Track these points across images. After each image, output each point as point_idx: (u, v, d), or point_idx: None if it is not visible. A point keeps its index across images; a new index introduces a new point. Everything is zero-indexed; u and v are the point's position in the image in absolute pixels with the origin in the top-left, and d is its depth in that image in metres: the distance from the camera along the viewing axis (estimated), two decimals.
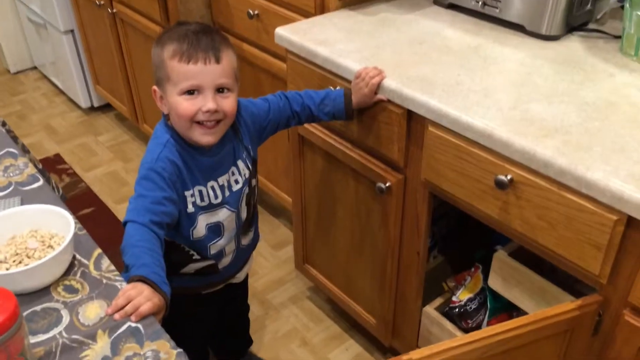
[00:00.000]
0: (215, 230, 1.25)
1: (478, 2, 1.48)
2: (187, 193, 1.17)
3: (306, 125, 1.55)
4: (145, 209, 1.04)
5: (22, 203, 1.13)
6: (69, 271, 0.97)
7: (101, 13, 2.50)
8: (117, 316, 0.87)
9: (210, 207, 1.21)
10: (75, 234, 0.96)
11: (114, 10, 2.39)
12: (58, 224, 1.00)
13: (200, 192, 1.19)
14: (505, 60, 1.32)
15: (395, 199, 1.38)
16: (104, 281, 0.95)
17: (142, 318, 0.86)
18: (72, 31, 2.84)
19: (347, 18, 1.55)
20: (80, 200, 2.48)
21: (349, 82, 1.34)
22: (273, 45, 1.63)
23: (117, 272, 0.97)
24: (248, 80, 1.98)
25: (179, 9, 2.00)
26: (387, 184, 1.37)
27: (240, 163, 1.25)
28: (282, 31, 1.50)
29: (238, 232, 1.31)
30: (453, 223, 1.60)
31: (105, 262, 0.99)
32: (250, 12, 1.81)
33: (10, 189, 1.18)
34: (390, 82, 1.25)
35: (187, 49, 1.08)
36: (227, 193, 1.23)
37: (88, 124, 3.07)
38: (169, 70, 1.10)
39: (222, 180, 1.22)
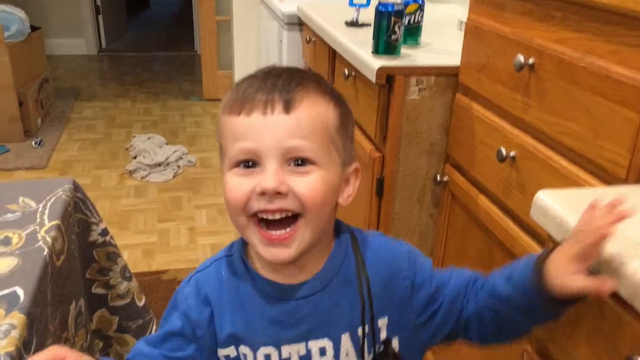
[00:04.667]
0: None
1: None
2: (222, 353, 0.72)
3: None
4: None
5: None
6: None
7: None
8: None
9: None
10: None
11: None
12: None
13: (245, 357, 0.71)
14: None
15: None
16: None
17: None
18: None
19: None
20: None
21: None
22: (525, 212, 0.90)
23: None
24: (477, 258, 1.24)
25: (403, 127, 1.38)
26: None
27: (346, 337, 0.71)
28: (546, 197, 0.75)
29: None
30: None
31: None
32: (503, 151, 1.09)
33: None
34: None
35: (242, 93, 0.65)
36: None
37: None
38: (219, 132, 0.69)
39: (293, 350, 0.71)
